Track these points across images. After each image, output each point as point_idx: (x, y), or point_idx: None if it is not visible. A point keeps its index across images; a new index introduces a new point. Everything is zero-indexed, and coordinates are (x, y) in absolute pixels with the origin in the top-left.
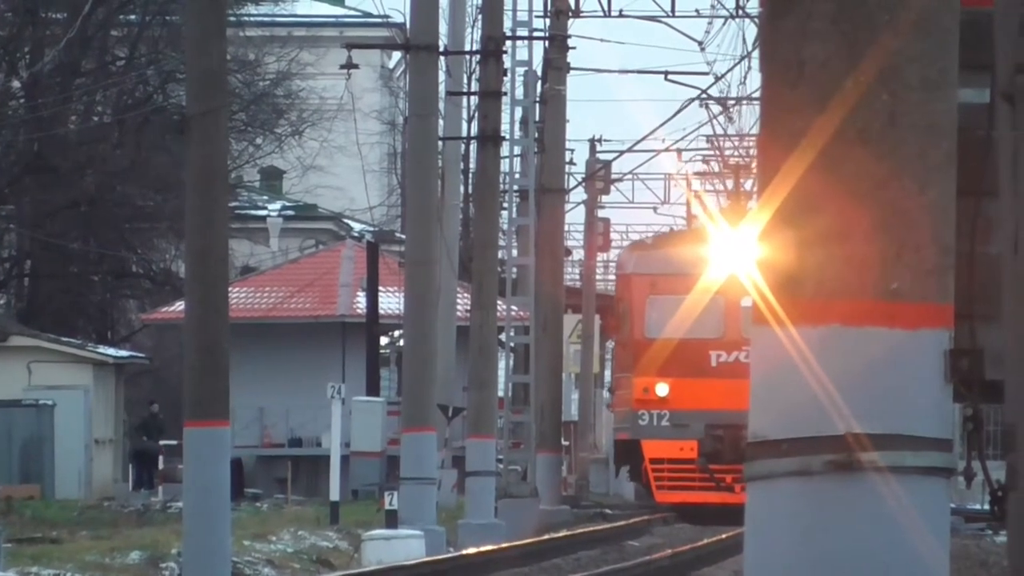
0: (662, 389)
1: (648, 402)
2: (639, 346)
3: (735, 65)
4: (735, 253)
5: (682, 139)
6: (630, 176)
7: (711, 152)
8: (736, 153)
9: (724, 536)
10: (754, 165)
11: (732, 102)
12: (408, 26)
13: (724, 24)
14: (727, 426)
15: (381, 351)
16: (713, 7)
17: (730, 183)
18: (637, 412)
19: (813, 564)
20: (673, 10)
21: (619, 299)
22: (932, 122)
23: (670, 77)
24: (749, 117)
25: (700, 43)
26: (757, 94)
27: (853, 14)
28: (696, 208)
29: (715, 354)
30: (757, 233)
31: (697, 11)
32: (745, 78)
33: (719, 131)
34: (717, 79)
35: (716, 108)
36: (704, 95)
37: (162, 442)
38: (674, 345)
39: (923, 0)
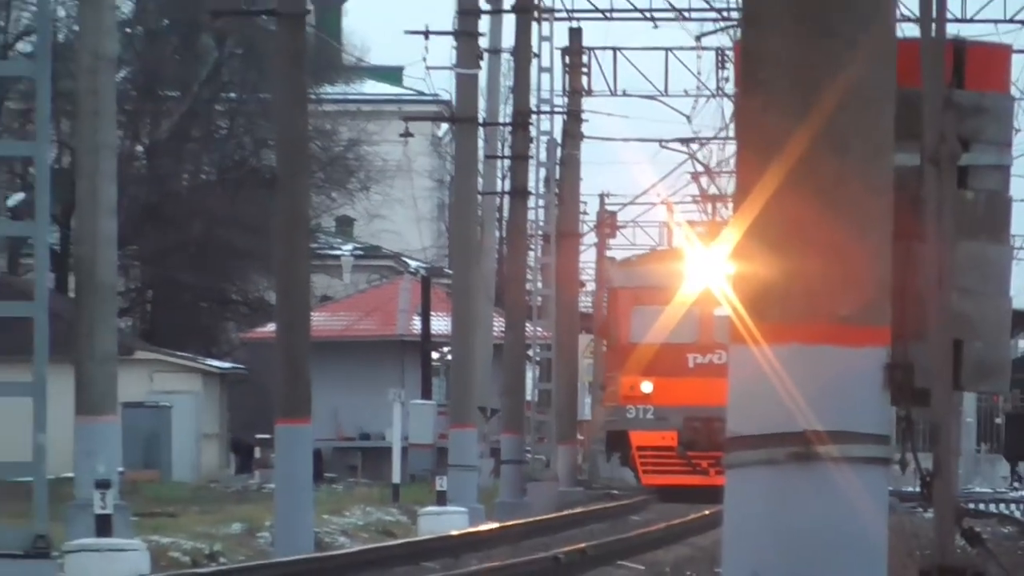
0: (646, 387)
1: (634, 398)
2: (626, 350)
3: (716, 134)
4: (708, 270)
5: (674, 194)
6: (632, 223)
7: (695, 192)
8: (711, 189)
9: (707, 512)
10: (729, 194)
11: (714, 166)
12: (454, 103)
13: (707, 101)
14: (703, 418)
15: (432, 363)
16: (698, 88)
17: (707, 210)
18: (625, 407)
19: (778, 535)
20: (666, 90)
21: (608, 309)
22: (873, 181)
23: (664, 145)
24: (728, 180)
25: (688, 117)
26: (733, 156)
27: (807, 93)
28: (675, 230)
29: (692, 356)
30: (735, 268)
31: (685, 91)
32: (724, 145)
33: (699, 169)
34: (701, 145)
35: (699, 152)
36: (691, 157)
37: (257, 435)
38: (656, 349)
39: (866, 82)
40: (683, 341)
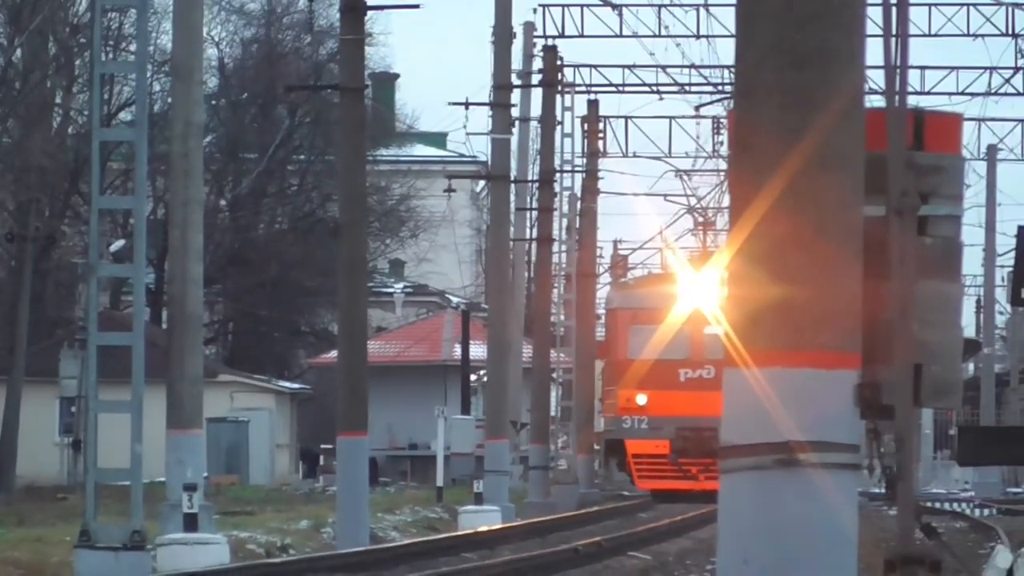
0: (641, 399)
1: (630, 409)
2: (623, 365)
3: (712, 190)
4: (699, 292)
5: (677, 239)
6: (641, 265)
7: (692, 226)
8: (703, 219)
9: (703, 511)
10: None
11: (710, 215)
12: (490, 163)
13: (704, 161)
14: (693, 428)
15: (471, 384)
16: (696, 150)
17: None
18: (622, 417)
19: (765, 529)
20: (670, 152)
21: (607, 328)
22: (846, 229)
23: (668, 199)
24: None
25: (688, 174)
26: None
27: (790, 155)
28: (669, 257)
29: (683, 371)
30: (728, 301)
31: (686, 152)
32: (720, 199)
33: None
34: (699, 200)
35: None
36: (689, 211)
37: (322, 445)
38: (651, 364)
39: (840, 145)
40: (675, 357)
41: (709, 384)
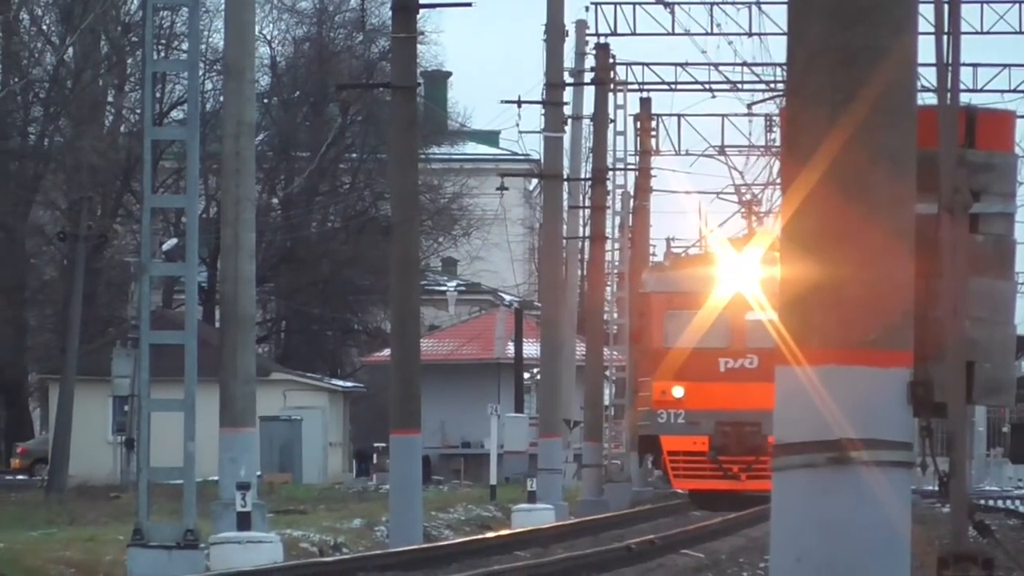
0: (678, 391)
1: (666, 403)
2: (658, 354)
3: (765, 186)
4: (741, 275)
5: (722, 224)
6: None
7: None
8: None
9: (754, 510)
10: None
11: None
12: (542, 161)
13: (757, 159)
14: (734, 423)
15: (524, 382)
16: (750, 145)
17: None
18: (657, 411)
19: (818, 527)
20: (723, 150)
21: (641, 314)
22: (898, 227)
23: (720, 196)
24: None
25: (741, 172)
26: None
27: (840, 154)
28: (708, 237)
29: (723, 361)
30: (780, 293)
31: (739, 150)
32: (772, 193)
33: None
34: (754, 196)
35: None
36: (741, 209)
37: (375, 444)
38: (688, 353)
39: (891, 143)
40: (715, 346)
41: (751, 375)
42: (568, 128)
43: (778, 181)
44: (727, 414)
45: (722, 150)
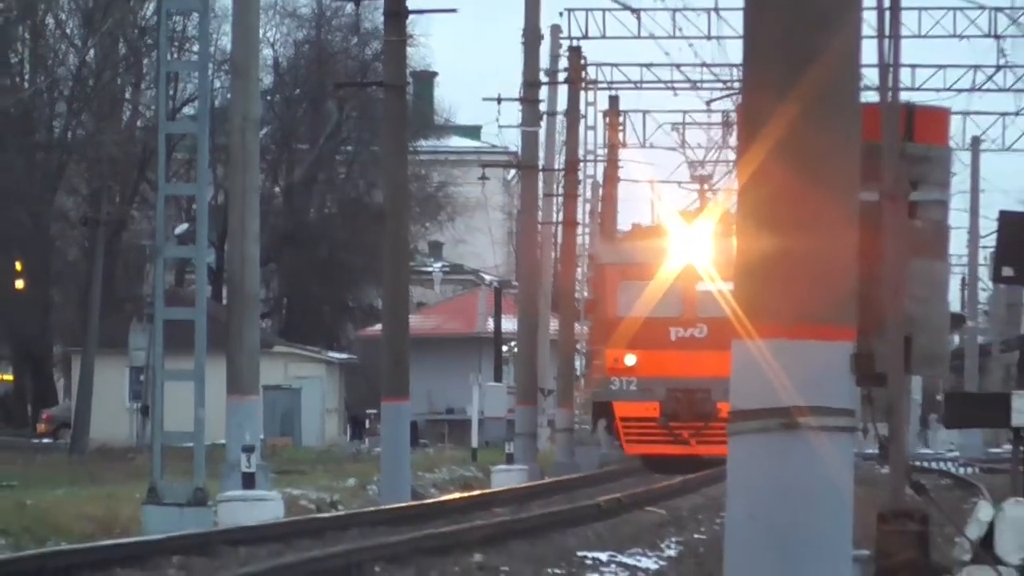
0: (630, 359)
1: (619, 370)
2: (611, 323)
3: (722, 177)
4: (691, 247)
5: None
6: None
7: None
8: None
9: (710, 471)
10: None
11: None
12: (520, 153)
13: (717, 153)
14: (684, 390)
15: (503, 355)
16: (709, 140)
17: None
18: (610, 379)
19: (770, 486)
20: (683, 144)
21: (595, 285)
22: (844, 213)
23: (682, 185)
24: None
25: (701, 163)
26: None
27: (795, 145)
28: (659, 209)
29: (674, 330)
30: (736, 267)
31: (699, 144)
32: (717, 154)
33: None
34: (710, 187)
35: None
36: (701, 194)
37: (367, 410)
38: (640, 322)
39: (839, 137)
40: (666, 315)
41: (701, 343)
42: (543, 123)
43: (730, 160)
44: (678, 381)
45: (682, 142)
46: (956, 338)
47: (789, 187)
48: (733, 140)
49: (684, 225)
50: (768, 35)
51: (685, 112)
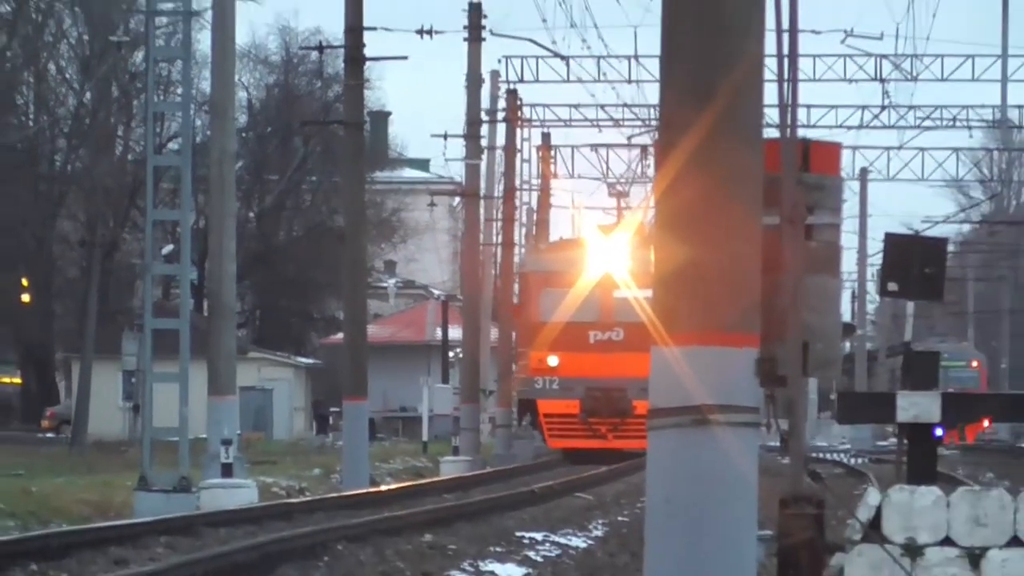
0: (553, 360)
1: (542, 370)
2: (535, 327)
3: (640, 203)
4: (608, 257)
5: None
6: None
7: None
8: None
9: (624, 464)
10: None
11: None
12: (464, 183)
13: (634, 181)
14: (602, 389)
15: (449, 360)
16: (628, 169)
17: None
18: (534, 378)
19: (685, 476)
20: (606, 174)
21: (521, 291)
22: (749, 239)
23: (606, 212)
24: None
25: (620, 182)
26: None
27: (706, 173)
28: (580, 223)
29: (593, 333)
30: (654, 280)
31: (620, 175)
32: (634, 174)
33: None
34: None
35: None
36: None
37: (331, 408)
38: (562, 326)
39: (745, 168)
40: (585, 320)
41: (618, 346)
42: (484, 156)
43: (647, 177)
44: (596, 381)
45: (605, 171)
46: (847, 345)
47: (701, 199)
48: (649, 168)
49: (602, 237)
50: (681, 76)
51: (609, 146)
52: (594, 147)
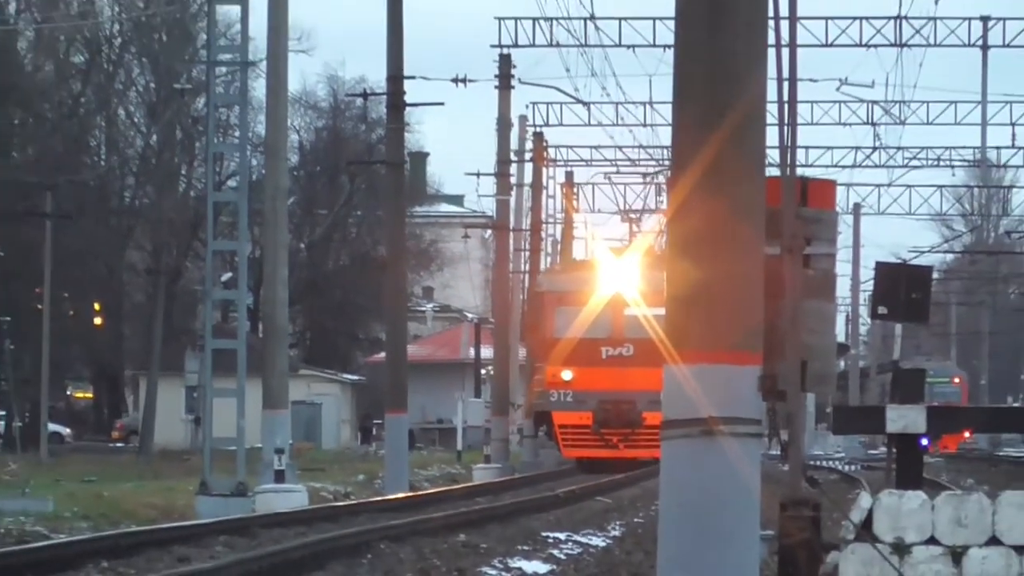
0: (567, 374)
1: (557, 384)
2: (550, 343)
3: (656, 236)
4: (620, 277)
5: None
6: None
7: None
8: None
9: (639, 471)
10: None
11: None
12: (495, 217)
13: (650, 215)
14: (614, 401)
15: (481, 376)
16: (644, 207)
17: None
18: (549, 391)
19: (695, 482)
20: (624, 209)
21: (536, 310)
22: (752, 264)
23: (622, 242)
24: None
25: (633, 211)
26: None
27: (711, 208)
28: (593, 245)
29: (605, 349)
30: (667, 304)
31: (638, 210)
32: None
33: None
34: (639, 227)
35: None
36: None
37: (374, 421)
38: (575, 342)
39: (748, 205)
40: (597, 336)
41: (628, 361)
42: (513, 193)
43: (660, 210)
44: (608, 394)
45: (626, 212)
46: (842, 363)
47: (708, 224)
48: (663, 203)
49: (613, 258)
50: (690, 120)
51: (626, 184)
52: (610, 180)
